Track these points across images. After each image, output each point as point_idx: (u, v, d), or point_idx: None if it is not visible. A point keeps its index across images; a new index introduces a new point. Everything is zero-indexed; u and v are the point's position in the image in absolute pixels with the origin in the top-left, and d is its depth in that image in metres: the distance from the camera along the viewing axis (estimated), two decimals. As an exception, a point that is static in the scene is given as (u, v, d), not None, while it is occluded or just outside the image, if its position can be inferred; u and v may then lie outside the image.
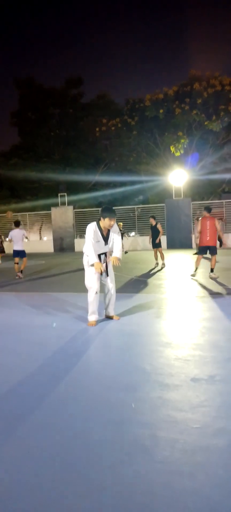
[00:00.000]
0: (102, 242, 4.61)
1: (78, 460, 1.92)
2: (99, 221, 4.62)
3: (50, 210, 23.32)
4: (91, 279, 4.61)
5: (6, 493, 1.70)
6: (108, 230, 4.64)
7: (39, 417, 2.39)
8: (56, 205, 23.20)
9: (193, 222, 18.64)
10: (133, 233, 24.73)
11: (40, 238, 31.69)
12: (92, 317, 4.65)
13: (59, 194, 22.97)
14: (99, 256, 4.60)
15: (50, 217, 23.21)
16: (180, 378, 2.90)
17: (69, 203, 22.99)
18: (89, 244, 4.54)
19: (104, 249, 4.67)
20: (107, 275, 4.73)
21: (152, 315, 5.07)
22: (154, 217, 11.54)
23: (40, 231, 32.75)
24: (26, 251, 10.17)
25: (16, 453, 2.01)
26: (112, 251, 4.75)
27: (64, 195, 22.71)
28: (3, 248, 15.29)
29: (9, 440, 2.15)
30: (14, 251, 9.87)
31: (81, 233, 22.38)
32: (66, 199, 22.66)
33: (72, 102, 30.25)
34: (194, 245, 16.51)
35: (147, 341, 3.95)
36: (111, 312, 4.88)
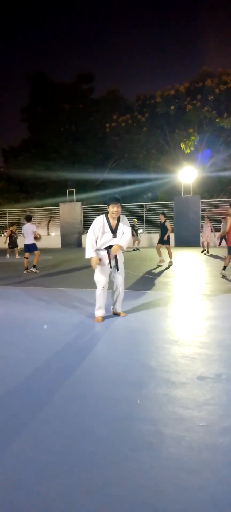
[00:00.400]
0: (110, 234, 4.51)
1: (84, 455, 1.93)
2: (108, 214, 4.58)
3: (58, 206, 23.40)
4: (99, 273, 4.60)
5: (13, 487, 1.72)
6: (118, 222, 4.54)
7: (46, 412, 2.41)
8: (64, 201, 23.26)
9: (202, 220, 18.49)
10: (140, 230, 24.68)
11: (48, 233, 31.81)
12: (98, 312, 4.65)
13: (67, 190, 23.03)
14: (107, 248, 4.53)
15: (59, 212, 23.29)
16: (186, 376, 2.90)
17: (77, 200, 23.02)
18: (88, 236, 4.51)
19: (112, 241, 4.54)
20: (118, 270, 4.63)
21: (159, 312, 5.06)
22: (164, 214, 11.48)
23: (48, 227, 32.88)
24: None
25: (24, 447, 2.03)
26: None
27: (72, 192, 22.76)
28: (16, 243, 15.35)
29: (17, 434, 2.18)
30: (25, 245, 10.02)
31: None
32: (74, 195, 22.71)
33: (82, 97, 30.22)
34: (201, 244, 16.35)
35: (153, 338, 3.94)
36: (118, 309, 4.86)
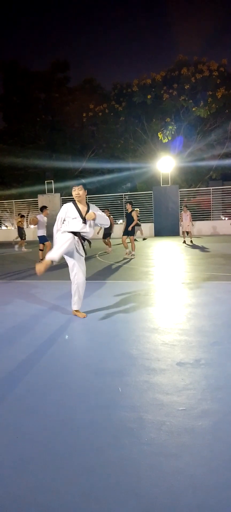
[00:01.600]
0: (80, 219, 4.21)
1: (66, 444, 1.93)
2: None
3: (37, 197, 23.04)
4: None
5: (-7, 479, 1.70)
6: (88, 209, 4.28)
7: (26, 403, 2.40)
8: (43, 192, 22.94)
9: (180, 209, 18.72)
10: (120, 221, 24.71)
11: (27, 226, 31.34)
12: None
13: (46, 181, 22.70)
14: (76, 234, 4.22)
15: (37, 204, 22.95)
16: (166, 363, 2.95)
17: (56, 190, 22.76)
18: (55, 225, 4.35)
19: (82, 228, 4.23)
20: (85, 254, 4.37)
21: (139, 302, 5.11)
22: (131, 203, 10.91)
23: (27, 219, 32.30)
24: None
25: (3, 439, 2.01)
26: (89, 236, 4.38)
27: (51, 182, 22.47)
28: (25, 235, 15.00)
29: (-4, 427, 2.15)
30: (39, 237, 10.05)
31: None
32: (53, 186, 22.43)
33: (58, 86, 29.67)
34: (181, 233, 16.58)
35: (133, 327, 3.98)
36: (75, 305, 4.46)
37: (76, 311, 4.48)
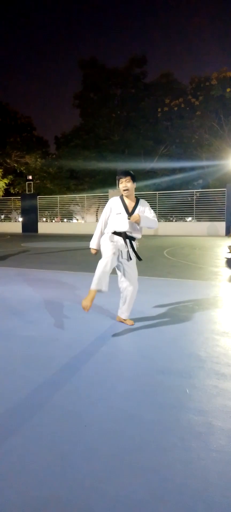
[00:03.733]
0: (125, 214, 3.67)
1: (132, 439, 1.94)
2: None
3: (107, 192, 23.60)
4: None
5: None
6: (136, 205, 3.74)
7: (93, 396, 2.47)
8: (113, 188, 23.40)
9: None
10: (189, 218, 24.05)
11: (97, 220, 32.41)
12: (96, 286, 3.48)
13: (117, 177, 23.12)
14: (121, 235, 3.66)
15: (107, 199, 23.53)
16: (238, 370, 2.78)
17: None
18: (99, 221, 3.90)
19: (128, 226, 3.66)
20: (130, 258, 3.74)
21: (208, 303, 4.90)
22: None
23: (96, 213, 33.38)
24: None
25: (72, 427, 2.10)
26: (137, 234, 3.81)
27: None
28: None
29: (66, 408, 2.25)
30: None
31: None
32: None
33: (134, 81, 29.91)
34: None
35: (202, 328, 3.83)
36: (124, 315, 3.96)
37: (124, 319, 3.98)
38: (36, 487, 1.59)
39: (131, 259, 3.74)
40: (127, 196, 3.73)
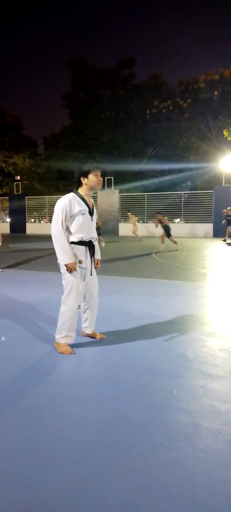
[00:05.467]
0: (89, 216, 3.12)
1: (118, 440, 1.94)
2: (79, 188, 3.14)
3: (96, 193, 23.56)
4: (75, 282, 3.09)
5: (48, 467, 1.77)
6: (93, 205, 3.24)
7: (80, 396, 2.46)
8: (102, 188, 23.37)
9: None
10: (177, 220, 24.23)
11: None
12: (69, 339, 3.20)
13: (106, 178, 23.12)
14: (86, 244, 3.14)
15: (97, 200, 23.50)
16: (224, 369, 2.81)
17: (115, 187, 23.03)
18: (55, 231, 3.00)
19: (92, 230, 3.18)
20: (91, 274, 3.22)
21: (195, 303, 4.95)
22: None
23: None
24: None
25: (62, 428, 2.08)
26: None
27: (111, 179, 22.80)
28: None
29: (52, 413, 2.23)
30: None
31: (126, 217, 22.47)
32: (112, 182, 22.74)
33: (123, 83, 30.04)
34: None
35: (189, 329, 3.87)
36: (90, 329, 3.46)
37: (89, 334, 3.47)
38: (22, 489, 1.57)
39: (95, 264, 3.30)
40: (87, 194, 3.14)
